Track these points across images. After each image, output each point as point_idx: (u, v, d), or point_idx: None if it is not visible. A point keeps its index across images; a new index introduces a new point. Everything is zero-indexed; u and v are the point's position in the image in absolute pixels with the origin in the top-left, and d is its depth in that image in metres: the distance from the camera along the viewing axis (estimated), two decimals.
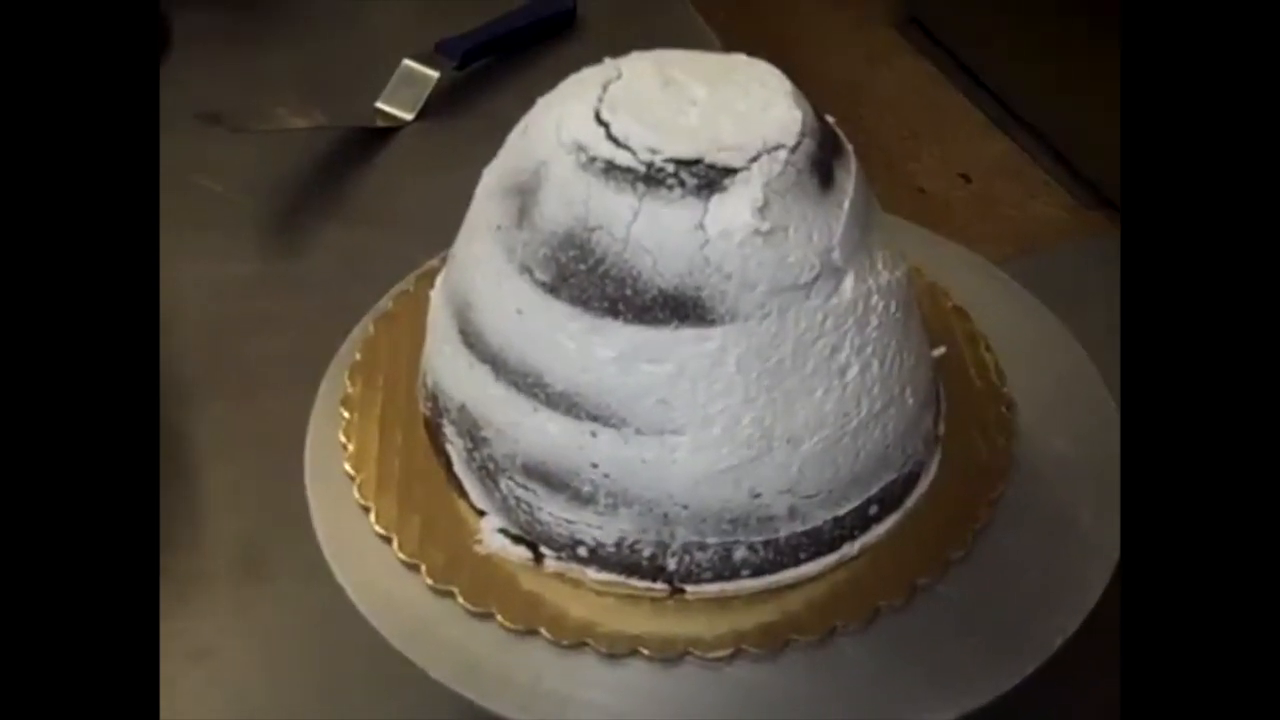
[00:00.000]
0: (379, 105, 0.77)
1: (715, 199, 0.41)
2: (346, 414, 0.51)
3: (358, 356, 0.53)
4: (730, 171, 0.41)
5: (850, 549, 0.46)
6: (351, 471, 0.49)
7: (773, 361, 0.42)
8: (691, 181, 0.41)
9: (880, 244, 0.45)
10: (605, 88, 0.43)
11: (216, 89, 0.76)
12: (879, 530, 0.47)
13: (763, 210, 0.41)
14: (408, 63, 0.78)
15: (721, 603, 0.45)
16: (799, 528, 0.45)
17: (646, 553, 0.45)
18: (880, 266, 0.45)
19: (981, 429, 0.50)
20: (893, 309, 0.45)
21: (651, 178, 0.41)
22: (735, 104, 0.43)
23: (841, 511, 0.45)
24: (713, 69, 0.45)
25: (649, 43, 0.47)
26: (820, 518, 0.45)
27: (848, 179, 0.44)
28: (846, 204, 0.43)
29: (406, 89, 0.77)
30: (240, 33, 0.83)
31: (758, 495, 0.44)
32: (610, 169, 0.41)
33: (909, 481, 0.48)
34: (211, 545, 0.54)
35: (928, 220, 0.61)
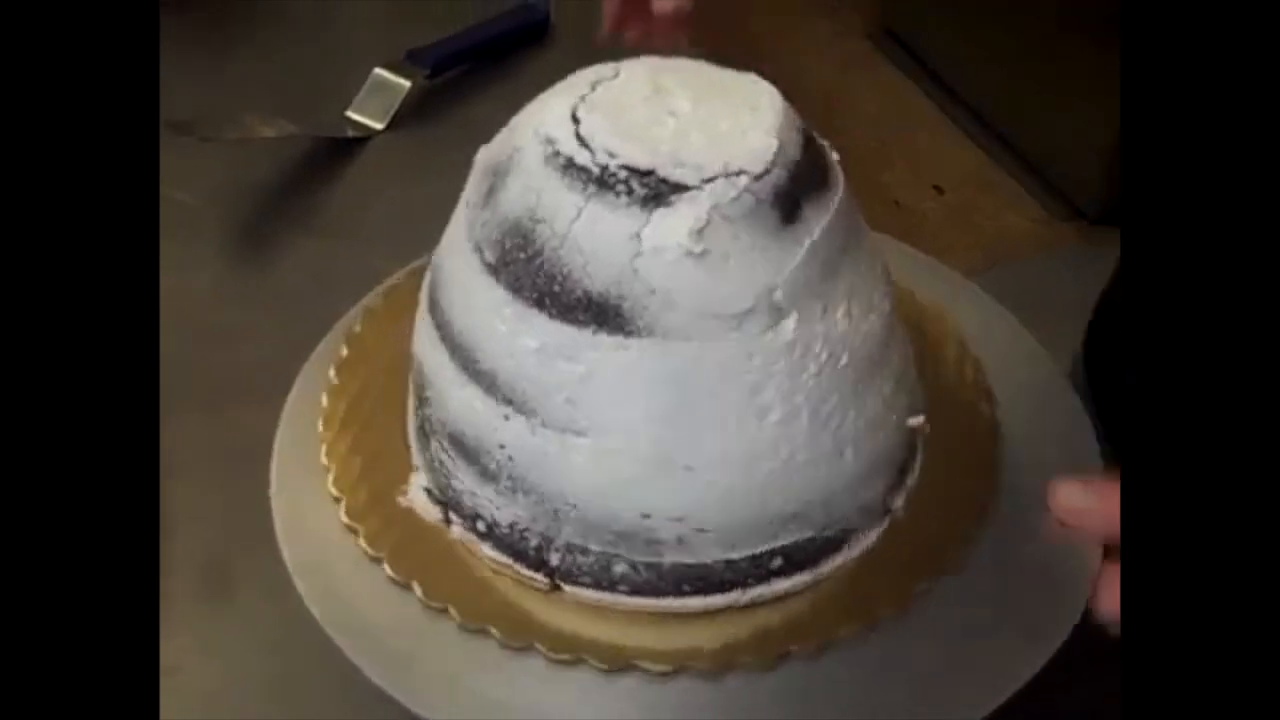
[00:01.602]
0: (350, 114, 0.76)
1: (658, 213, 0.40)
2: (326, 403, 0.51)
3: (345, 352, 0.53)
4: (681, 188, 0.41)
5: (740, 596, 0.45)
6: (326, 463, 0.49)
7: (686, 386, 0.42)
8: (640, 191, 0.41)
9: (848, 292, 0.44)
10: (594, 87, 0.44)
11: (186, 97, 0.74)
12: (780, 585, 0.45)
13: (701, 232, 0.40)
14: (379, 71, 0.77)
15: (601, 611, 0.45)
16: (686, 559, 0.44)
17: (533, 542, 0.45)
18: (839, 315, 0.43)
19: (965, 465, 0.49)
20: (842, 362, 0.43)
21: (603, 180, 0.41)
22: (717, 122, 0.42)
23: (736, 555, 0.44)
24: (709, 83, 0.45)
25: (623, 53, 0.46)
26: (711, 555, 0.44)
27: (820, 217, 0.43)
28: (808, 243, 0.42)
29: (377, 98, 0.77)
30: (210, 41, 0.82)
31: (646, 516, 0.43)
32: (569, 166, 0.41)
33: (830, 545, 0.46)
34: (176, 561, 0.52)
35: (902, 231, 0.60)
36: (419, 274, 0.49)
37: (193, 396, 0.58)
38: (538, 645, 0.44)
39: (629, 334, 0.41)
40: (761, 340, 0.42)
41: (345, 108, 0.76)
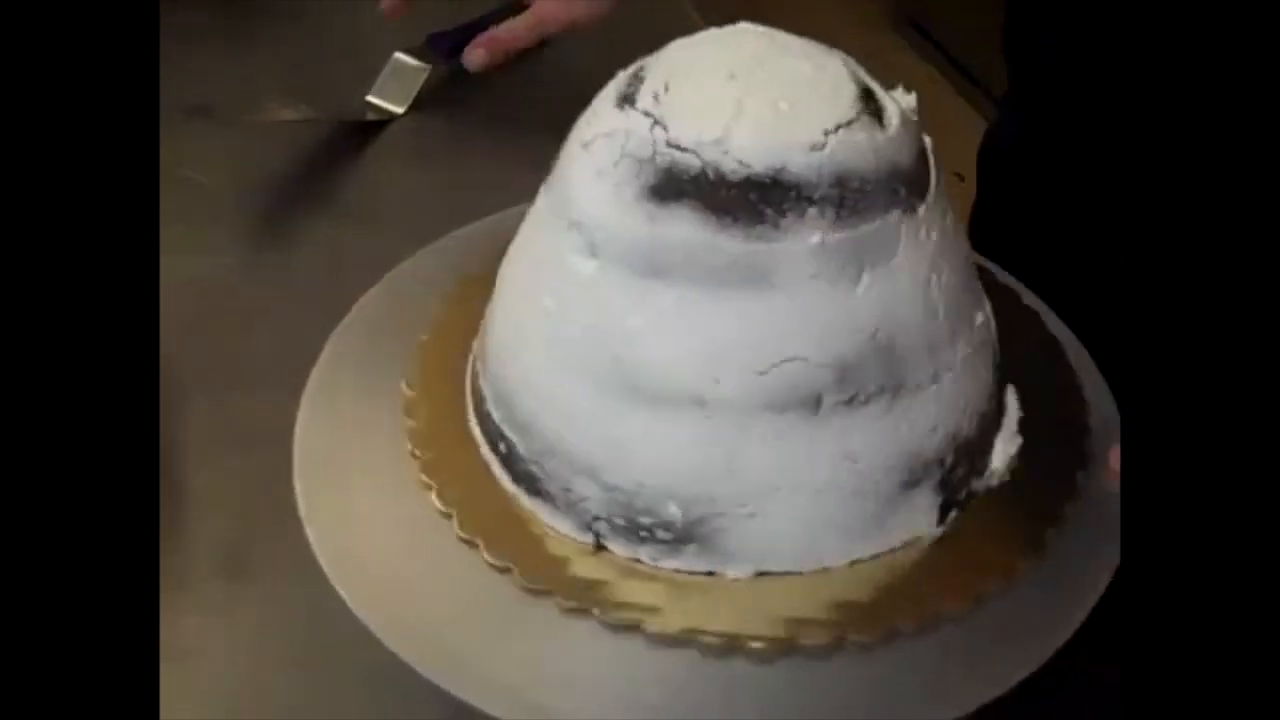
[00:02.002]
0: (370, 98, 0.76)
1: (612, 108, 0.44)
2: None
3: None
4: (633, 105, 0.43)
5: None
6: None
7: (537, 248, 0.46)
8: (627, 91, 0.44)
9: (680, 304, 0.43)
10: (723, 40, 0.45)
11: (206, 81, 0.75)
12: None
13: (595, 137, 0.44)
14: (399, 55, 0.77)
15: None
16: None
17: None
18: (657, 317, 0.44)
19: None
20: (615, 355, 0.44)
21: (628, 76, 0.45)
22: (740, 101, 0.42)
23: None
24: (808, 79, 0.43)
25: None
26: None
27: (691, 226, 0.42)
28: (662, 228, 0.42)
29: (398, 82, 0.76)
30: (230, 25, 0.82)
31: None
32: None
33: None
34: (196, 545, 0.53)
35: None
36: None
37: (210, 380, 0.58)
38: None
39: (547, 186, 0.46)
40: (566, 260, 0.44)
41: (365, 92, 0.76)
